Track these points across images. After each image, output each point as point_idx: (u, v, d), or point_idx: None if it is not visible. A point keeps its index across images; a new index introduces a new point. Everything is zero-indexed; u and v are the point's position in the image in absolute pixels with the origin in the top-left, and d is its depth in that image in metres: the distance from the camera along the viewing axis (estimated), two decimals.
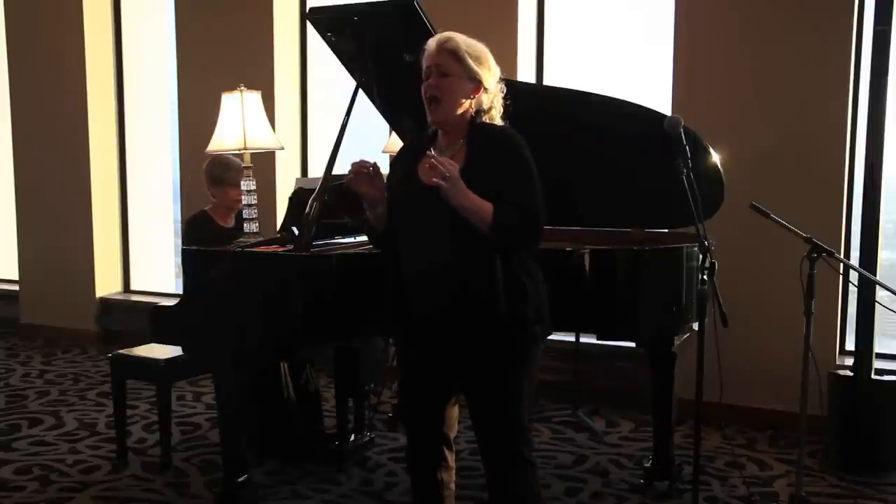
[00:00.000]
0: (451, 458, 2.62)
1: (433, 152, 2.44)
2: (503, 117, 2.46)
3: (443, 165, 2.24)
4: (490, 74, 2.40)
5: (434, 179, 2.25)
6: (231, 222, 4.01)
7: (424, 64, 2.39)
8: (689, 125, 2.99)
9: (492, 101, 2.43)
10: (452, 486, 2.65)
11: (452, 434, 2.63)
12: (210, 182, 4.03)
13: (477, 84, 2.38)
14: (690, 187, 2.83)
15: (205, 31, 5.84)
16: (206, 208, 4.10)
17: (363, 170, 2.40)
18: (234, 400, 3.31)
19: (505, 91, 2.46)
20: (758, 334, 4.24)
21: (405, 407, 2.68)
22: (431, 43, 2.40)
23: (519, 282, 2.36)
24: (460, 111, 2.39)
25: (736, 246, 4.03)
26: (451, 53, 2.36)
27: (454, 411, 2.62)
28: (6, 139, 6.75)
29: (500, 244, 2.33)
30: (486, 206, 2.28)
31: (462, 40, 2.38)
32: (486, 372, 2.41)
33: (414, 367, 2.56)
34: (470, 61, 2.36)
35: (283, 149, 4.25)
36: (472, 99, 2.39)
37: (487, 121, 2.43)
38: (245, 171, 3.69)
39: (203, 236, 3.85)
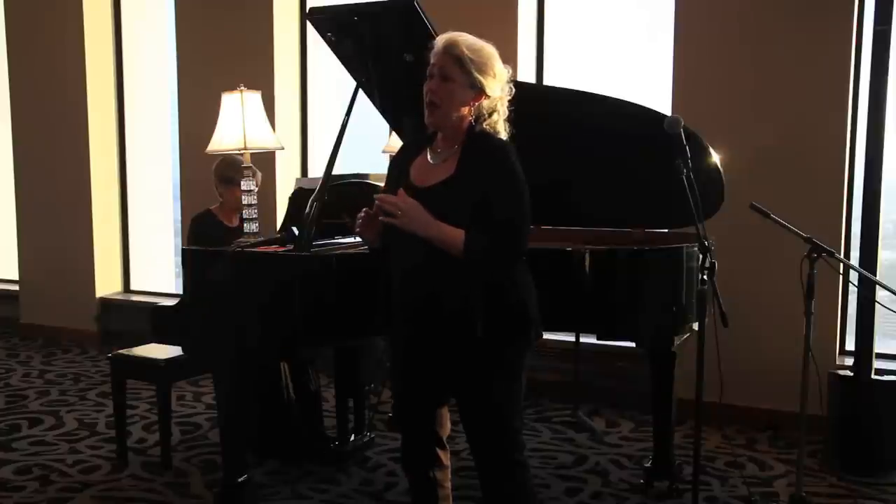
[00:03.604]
0: (444, 458, 2.63)
1: (429, 156, 2.45)
2: (507, 119, 2.44)
3: (389, 203, 2.27)
4: (494, 81, 2.37)
5: (382, 217, 2.29)
6: (236, 222, 4.04)
7: (430, 61, 2.38)
8: (688, 125, 2.99)
9: (494, 107, 2.40)
10: (447, 484, 2.66)
11: (445, 433, 2.64)
12: (219, 181, 4.08)
13: (478, 92, 2.36)
14: (690, 187, 2.83)
15: (205, 31, 5.85)
16: (210, 207, 4.14)
17: (369, 213, 2.39)
18: (234, 400, 3.31)
19: (513, 93, 2.44)
20: (758, 334, 4.24)
21: (397, 408, 2.69)
22: (439, 42, 2.38)
23: (500, 290, 2.34)
24: (458, 116, 2.37)
25: (736, 246, 4.04)
26: (455, 59, 2.33)
27: (445, 411, 2.63)
28: (6, 139, 6.76)
29: (477, 269, 2.32)
30: (456, 234, 2.27)
31: (468, 46, 2.35)
32: (472, 381, 2.41)
33: (404, 369, 2.57)
34: (473, 70, 2.33)
35: (283, 149, 4.26)
36: (471, 106, 2.37)
37: (487, 127, 2.40)
38: (247, 172, 3.70)
39: (210, 233, 3.88)
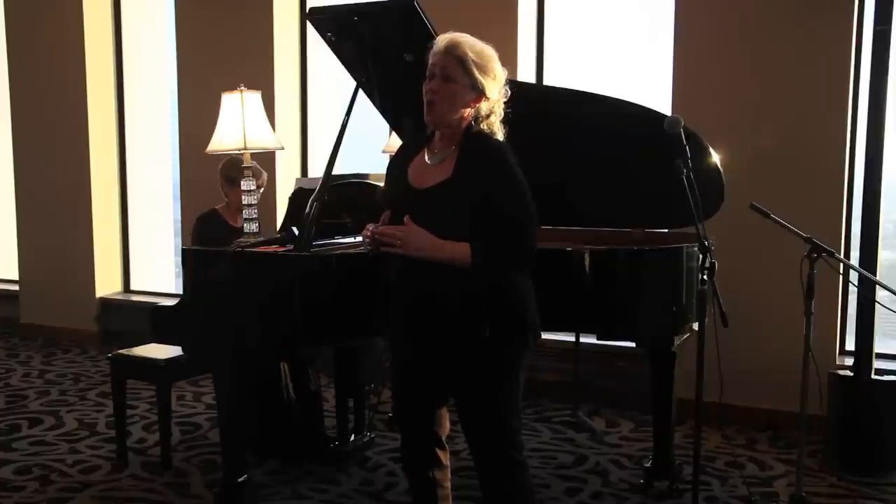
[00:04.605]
0: (444, 458, 2.64)
1: (427, 156, 2.45)
2: (503, 121, 2.44)
3: (386, 236, 2.29)
4: (494, 84, 2.37)
5: (383, 248, 2.30)
6: (241, 222, 4.04)
7: (430, 61, 2.37)
8: (689, 125, 2.99)
9: (492, 108, 2.40)
10: (447, 484, 2.66)
11: (444, 433, 2.64)
12: (225, 181, 4.10)
13: (479, 93, 2.36)
14: (690, 187, 2.83)
15: (205, 31, 5.85)
16: (216, 207, 4.16)
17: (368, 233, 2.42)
18: (234, 400, 3.31)
19: (508, 95, 2.44)
20: (758, 334, 4.24)
21: (396, 409, 2.70)
22: (440, 42, 2.37)
23: (499, 290, 2.34)
24: (458, 117, 2.37)
25: (736, 246, 4.04)
26: (458, 60, 2.33)
27: (444, 411, 2.63)
28: (6, 139, 6.76)
29: (489, 276, 2.32)
30: (460, 248, 2.28)
31: (470, 47, 2.35)
32: (471, 381, 2.41)
33: (403, 370, 2.57)
34: (475, 71, 2.33)
35: (283, 149, 4.26)
36: (471, 108, 2.37)
37: (485, 128, 2.40)
38: (246, 172, 3.71)
39: (214, 234, 3.89)
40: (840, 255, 3.33)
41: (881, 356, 4.09)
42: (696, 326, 3.21)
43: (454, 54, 2.33)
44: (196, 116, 5.45)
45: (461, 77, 2.34)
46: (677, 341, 3.40)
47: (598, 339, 3.47)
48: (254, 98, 3.72)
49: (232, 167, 4.05)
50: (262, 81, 4.99)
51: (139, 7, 6.47)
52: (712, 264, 2.80)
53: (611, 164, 3.44)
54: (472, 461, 2.51)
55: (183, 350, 3.54)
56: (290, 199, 3.88)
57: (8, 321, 6.79)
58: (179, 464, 3.89)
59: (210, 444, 4.16)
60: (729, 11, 4.39)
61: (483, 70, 2.35)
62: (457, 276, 2.29)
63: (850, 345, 4.28)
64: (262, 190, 4.20)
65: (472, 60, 2.33)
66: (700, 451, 3.00)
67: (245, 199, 3.70)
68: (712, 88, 4.43)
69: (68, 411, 4.71)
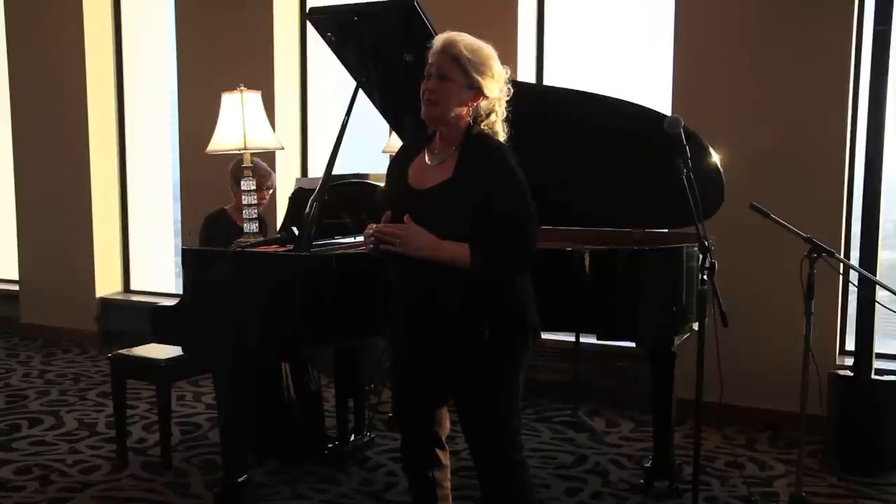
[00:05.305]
0: (444, 458, 2.64)
1: (427, 157, 2.44)
2: (506, 120, 2.44)
3: (386, 234, 2.29)
4: (493, 82, 2.36)
5: (382, 247, 2.30)
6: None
7: (428, 61, 2.37)
8: (688, 125, 2.99)
9: (492, 107, 2.38)
10: (447, 484, 2.66)
11: (444, 433, 2.64)
12: (234, 182, 4.09)
13: (476, 92, 2.35)
14: (690, 187, 2.83)
15: (205, 31, 5.85)
16: (225, 207, 4.15)
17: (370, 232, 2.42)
18: (234, 400, 3.31)
19: (511, 93, 2.43)
20: (758, 334, 4.24)
21: (396, 409, 2.70)
22: (437, 42, 2.37)
23: (499, 291, 2.34)
24: (455, 116, 2.36)
25: (736, 246, 4.03)
26: (453, 59, 2.32)
27: (444, 411, 2.64)
28: (6, 139, 6.76)
29: (487, 279, 2.31)
30: (460, 249, 2.27)
31: (466, 45, 2.34)
32: (470, 382, 2.41)
33: (403, 370, 2.58)
34: (471, 70, 2.32)
35: (283, 149, 4.26)
36: (469, 107, 2.36)
37: (486, 128, 2.39)
38: (245, 171, 3.71)
39: (222, 234, 3.89)
40: (840, 255, 3.33)
41: (881, 356, 4.09)
42: (696, 326, 3.21)
43: (450, 53, 2.33)
44: (196, 116, 5.45)
45: (457, 76, 2.33)
46: (677, 341, 3.40)
47: (598, 339, 3.47)
48: (254, 98, 3.73)
49: (241, 168, 4.04)
50: (262, 81, 4.98)
51: (139, 7, 6.47)
52: (712, 264, 2.80)
53: (611, 163, 3.44)
54: (472, 461, 2.51)
55: (183, 350, 3.54)
56: (290, 199, 3.89)
57: (8, 321, 6.79)
58: (179, 464, 3.89)
59: (210, 444, 4.16)
60: (729, 11, 4.39)
61: (479, 68, 2.34)
62: (457, 277, 2.29)
63: (850, 345, 4.28)
64: (271, 191, 4.20)
65: (468, 58, 2.32)
66: (700, 451, 3.00)
67: (245, 199, 3.70)
68: (712, 88, 4.43)
69: (68, 411, 4.71)
